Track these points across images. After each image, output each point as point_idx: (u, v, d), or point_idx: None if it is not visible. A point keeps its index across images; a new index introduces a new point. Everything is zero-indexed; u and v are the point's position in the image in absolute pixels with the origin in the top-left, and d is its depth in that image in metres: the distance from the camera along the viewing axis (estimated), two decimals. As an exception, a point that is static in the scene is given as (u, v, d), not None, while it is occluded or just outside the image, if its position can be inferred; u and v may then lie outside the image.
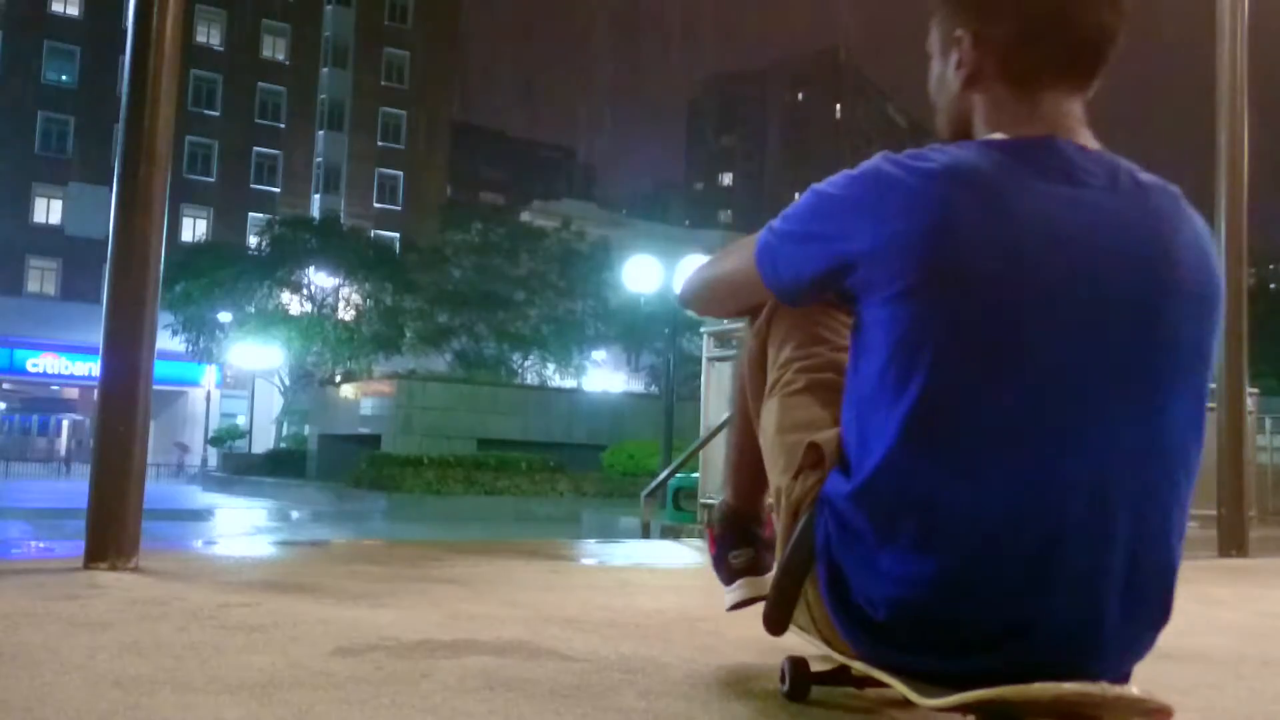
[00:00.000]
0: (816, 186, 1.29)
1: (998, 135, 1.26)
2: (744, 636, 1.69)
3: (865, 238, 1.21)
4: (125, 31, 3.02)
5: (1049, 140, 1.24)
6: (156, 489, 15.52)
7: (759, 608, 1.43)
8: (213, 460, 36.58)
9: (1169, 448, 1.22)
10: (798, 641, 1.48)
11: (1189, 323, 1.22)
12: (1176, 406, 1.22)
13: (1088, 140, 1.26)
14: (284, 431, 34.76)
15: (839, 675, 1.43)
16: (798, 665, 1.48)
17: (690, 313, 1.69)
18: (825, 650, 1.39)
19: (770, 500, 1.47)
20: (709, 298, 1.57)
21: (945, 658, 1.20)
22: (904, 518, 1.19)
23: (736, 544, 1.67)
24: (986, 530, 1.17)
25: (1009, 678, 1.14)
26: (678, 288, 1.72)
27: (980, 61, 1.29)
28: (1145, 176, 1.25)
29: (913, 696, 1.21)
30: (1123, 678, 1.25)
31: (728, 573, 1.68)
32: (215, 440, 37.56)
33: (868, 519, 1.22)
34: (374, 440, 23.81)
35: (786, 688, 1.49)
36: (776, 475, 1.41)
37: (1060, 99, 1.27)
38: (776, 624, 1.38)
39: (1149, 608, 1.24)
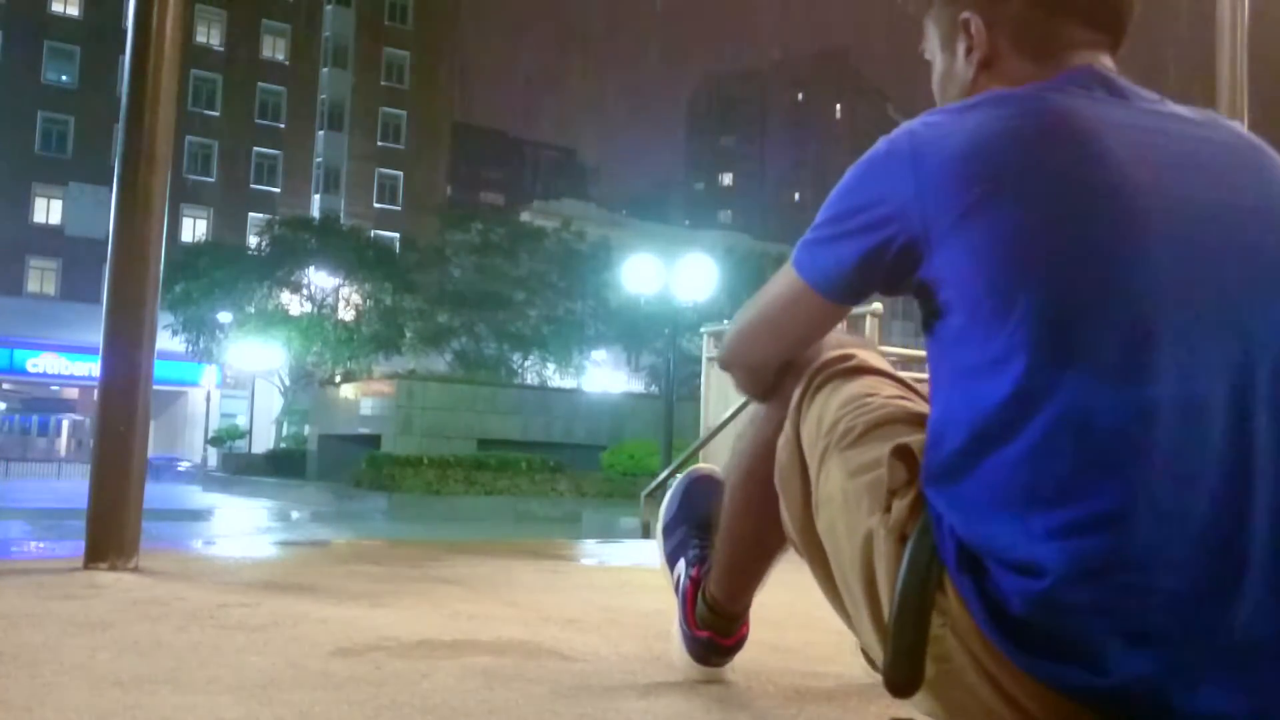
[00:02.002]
0: (852, 164, 1.16)
1: None
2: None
3: (908, 184, 1.06)
4: (125, 31, 3.02)
5: (1086, 67, 1.12)
6: (157, 489, 15.52)
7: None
8: (213, 460, 36.57)
9: None
10: (804, 650, 1.48)
11: None
12: None
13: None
14: (284, 431, 34.74)
15: None
16: None
17: (733, 381, 1.40)
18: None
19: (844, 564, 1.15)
20: (751, 341, 1.32)
21: (1153, 642, 0.91)
22: (1054, 448, 0.95)
23: (722, 653, 1.64)
24: (1162, 433, 0.94)
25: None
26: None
27: (994, 42, 1.18)
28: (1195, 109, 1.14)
29: None
30: None
31: (700, 658, 1.66)
32: (215, 440, 37.55)
33: (1005, 467, 0.97)
34: (374, 440, 23.80)
35: None
36: (862, 521, 1.10)
37: (1088, 55, 1.14)
38: (907, 682, 1.03)
39: None
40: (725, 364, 1.38)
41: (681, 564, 1.67)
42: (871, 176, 1.11)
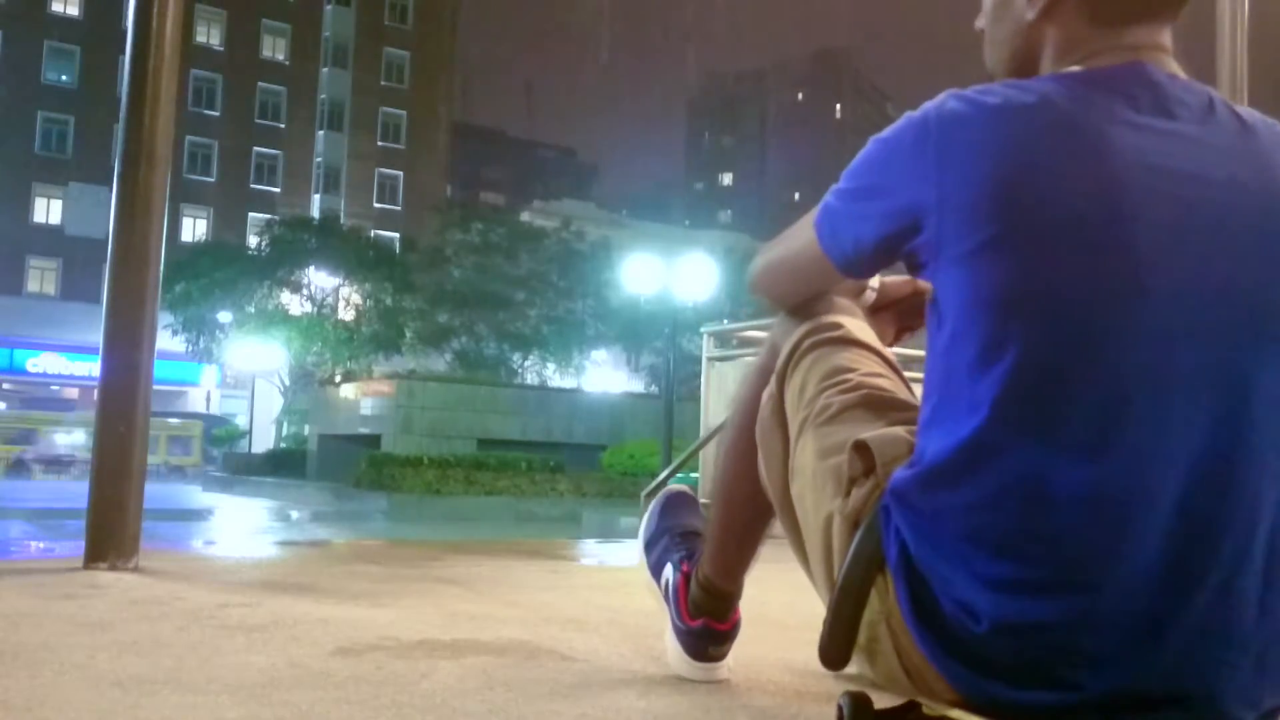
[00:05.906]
0: (877, 135, 1.13)
1: (1075, 68, 1.11)
2: (744, 636, 1.69)
3: (930, 187, 1.04)
4: (125, 31, 3.02)
5: (1137, 66, 1.08)
6: (157, 489, 15.49)
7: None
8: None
9: None
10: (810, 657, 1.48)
11: None
12: None
13: (1176, 70, 1.11)
14: (284, 431, 34.72)
15: (907, 712, 1.16)
16: (859, 701, 1.15)
17: (762, 300, 1.46)
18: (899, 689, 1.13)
19: (813, 536, 1.20)
20: (772, 280, 1.37)
21: (1063, 686, 0.97)
22: (1004, 506, 0.98)
23: (719, 639, 1.62)
24: (1110, 515, 0.96)
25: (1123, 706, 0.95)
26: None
27: None
28: (1244, 110, 1.10)
29: None
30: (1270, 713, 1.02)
31: (697, 651, 1.64)
32: (215, 440, 37.52)
33: (957, 509, 1.01)
34: (374, 440, 23.78)
35: None
36: (826, 503, 1.17)
37: (1145, 30, 1.11)
38: (837, 658, 1.11)
39: None
40: (752, 291, 1.42)
41: (668, 568, 1.67)
42: (897, 161, 1.09)
